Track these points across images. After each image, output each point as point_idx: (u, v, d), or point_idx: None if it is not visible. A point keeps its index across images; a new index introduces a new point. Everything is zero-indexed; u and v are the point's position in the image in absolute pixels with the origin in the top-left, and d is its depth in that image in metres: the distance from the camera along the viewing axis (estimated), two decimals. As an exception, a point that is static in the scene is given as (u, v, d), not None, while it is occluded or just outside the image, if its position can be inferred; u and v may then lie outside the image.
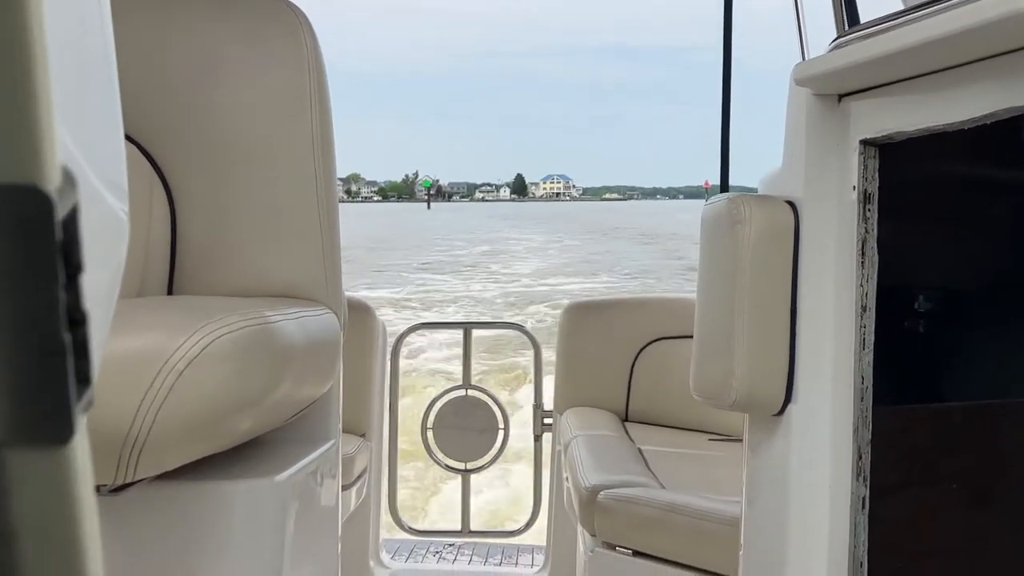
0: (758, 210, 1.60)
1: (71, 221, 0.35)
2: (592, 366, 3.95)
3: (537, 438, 4.14)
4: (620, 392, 3.93)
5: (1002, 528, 1.62)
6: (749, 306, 1.57)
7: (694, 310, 4.03)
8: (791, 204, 1.61)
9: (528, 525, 4.20)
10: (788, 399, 1.56)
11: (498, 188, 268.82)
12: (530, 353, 4.29)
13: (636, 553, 2.39)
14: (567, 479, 3.29)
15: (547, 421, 4.09)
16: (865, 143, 1.51)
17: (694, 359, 1.73)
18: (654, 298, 4.15)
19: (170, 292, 1.90)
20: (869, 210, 1.52)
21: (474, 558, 4.44)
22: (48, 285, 0.33)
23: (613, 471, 2.66)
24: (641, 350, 3.93)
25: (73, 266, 0.35)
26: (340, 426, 2.06)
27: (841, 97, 1.58)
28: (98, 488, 1.30)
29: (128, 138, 1.87)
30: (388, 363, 4.08)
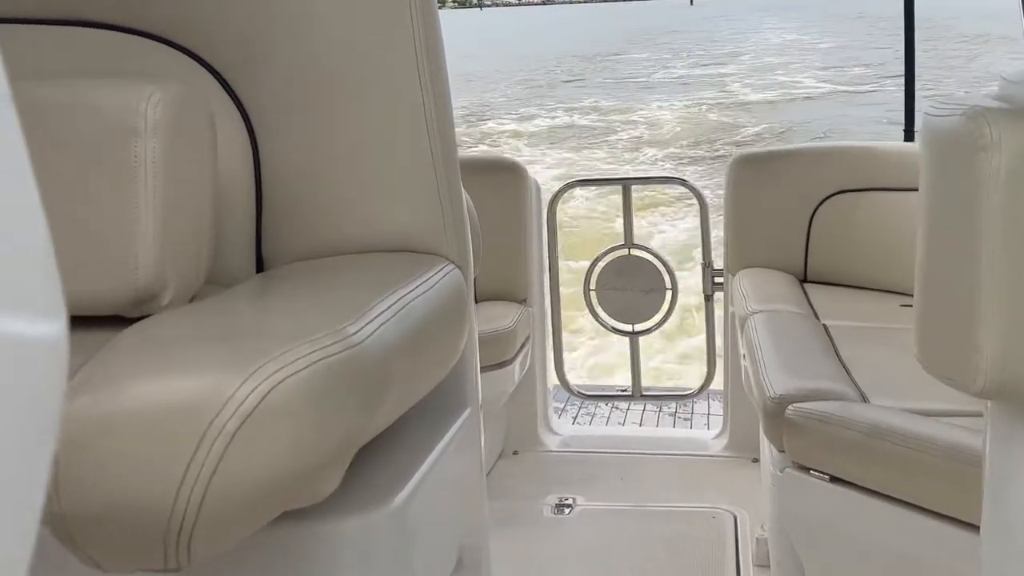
0: (1012, 130, 1.21)
1: None
2: (765, 223, 3.61)
3: (708, 298, 3.88)
4: (797, 251, 3.59)
5: None
6: (1001, 262, 1.22)
7: (878, 160, 3.63)
8: None
9: (702, 388, 4.00)
10: None
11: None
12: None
13: (834, 479, 2.14)
14: (744, 358, 3.03)
15: (718, 280, 3.81)
16: None
17: (918, 324, 1.40)
18: (833, 147, 3.72)
19: (258, 244, 1.65)
20: None
21: (646, 421, 4.31)
22: None
23: (801, 374, 2.38)
24: (819, 204, 3.55)
25: None
26: (479, 390, 1.82)
27: None
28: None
29: (197, 58, 1.59)
30: (544, 224, 3.85)
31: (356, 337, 1.15)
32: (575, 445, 3.86)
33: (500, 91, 26.38)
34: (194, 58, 1.60)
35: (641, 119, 19.84)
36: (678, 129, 18.23)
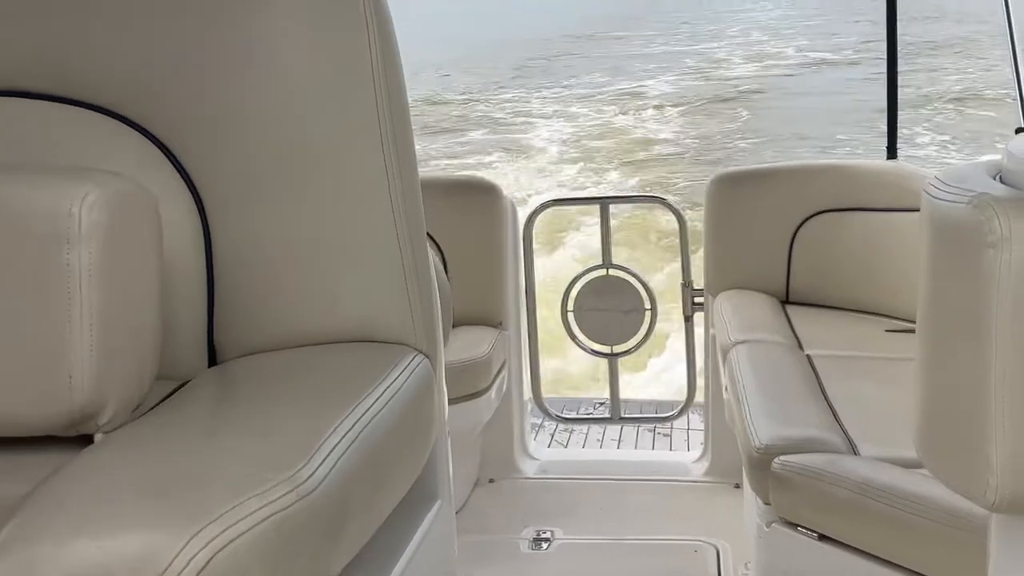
0: (1023, 224, 1.12)
1: None
2: (746, 243, 3.53)
3: (688, 319, 3.79)
4: (779, 272, 3.51)
5: None
6: (1013, 369, 1.12)
7: (861, 179, 3.55)
8: None
9: (682, 411, 3.91)
10: None
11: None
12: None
13: (823, 537, 2.05)
14: (726, 389, 2.96)
15: (698, 300, 3.73)
16: None
17: (920, 424, 1.30)
18: (814, 165, 3.64)
19: (211, 336, 1.53)
20: None
21: (625, 438, 4.23)
22: None
23: (787, 421, 2.29)
24: (801, 224, 3.47)
25: None
26: (451, 479, 1.71)
27: None
28: None
29: (144, 132, 1.46)
30: (521, 245, 3.76)
31: (310, 482, 1.05)
32: (553, 471, 3.77)
33: (503, 68, 27.51)
34: (141, 132, 1.47)
35: (637, 84, 22.95)
36: (670, 91, 21.49)
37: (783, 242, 3.49)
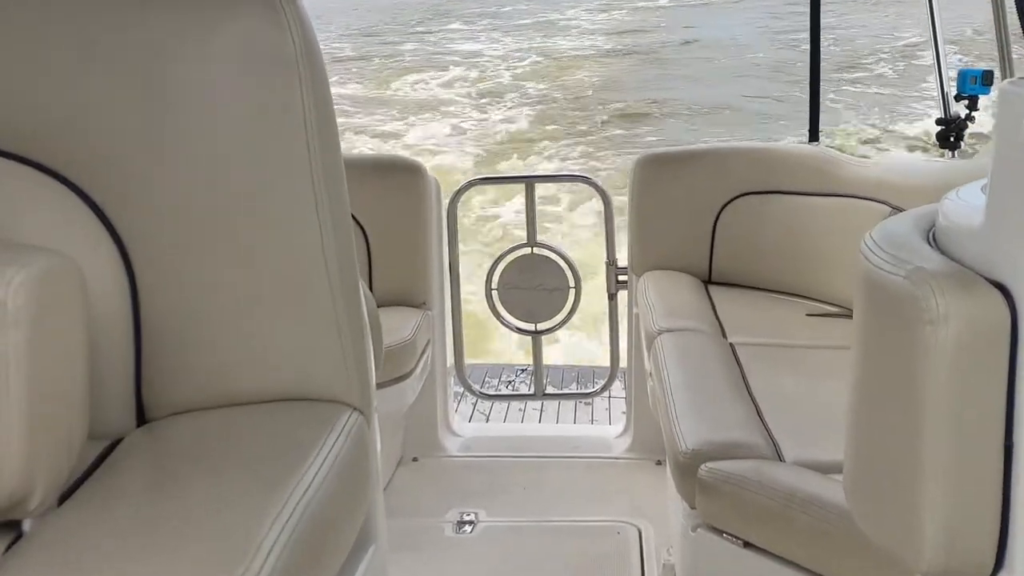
0: (960, 302, 1.13)
1: None
2: (670, 224, 3.56)
3: (612, 297, 3.82)
4: (702, 253, 3.55)
5: None
6: (947, 442, 1.15)
7: (782, 162, 3.59)
8: (1002, 290, 1.15)
9: (605, 387, 3.96)
10: (999, 565, 1.18)
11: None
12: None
13: (748, 545, 2.09)
14: (650, 376, 2.98)
15: (622, 279, 3.75)
16: None
17: (851, 484, 1.32)
18: (738, 148, 3.67)
19: (138, 391, 1.46)
20: None
21: (547, 409, 4.27)
22: None
23: (713, 424, 2.32)
24: (724, 206, 3.51)
25: None
26: (384, 524, 1.69)
27: None
28: None
29: (66, 182, 1.38)
30: (445, 224, 3.72)
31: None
32: (477, 448, 3.79)
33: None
34: (63, 182, 1.38)
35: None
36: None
37: (706, 223, 3.53)
